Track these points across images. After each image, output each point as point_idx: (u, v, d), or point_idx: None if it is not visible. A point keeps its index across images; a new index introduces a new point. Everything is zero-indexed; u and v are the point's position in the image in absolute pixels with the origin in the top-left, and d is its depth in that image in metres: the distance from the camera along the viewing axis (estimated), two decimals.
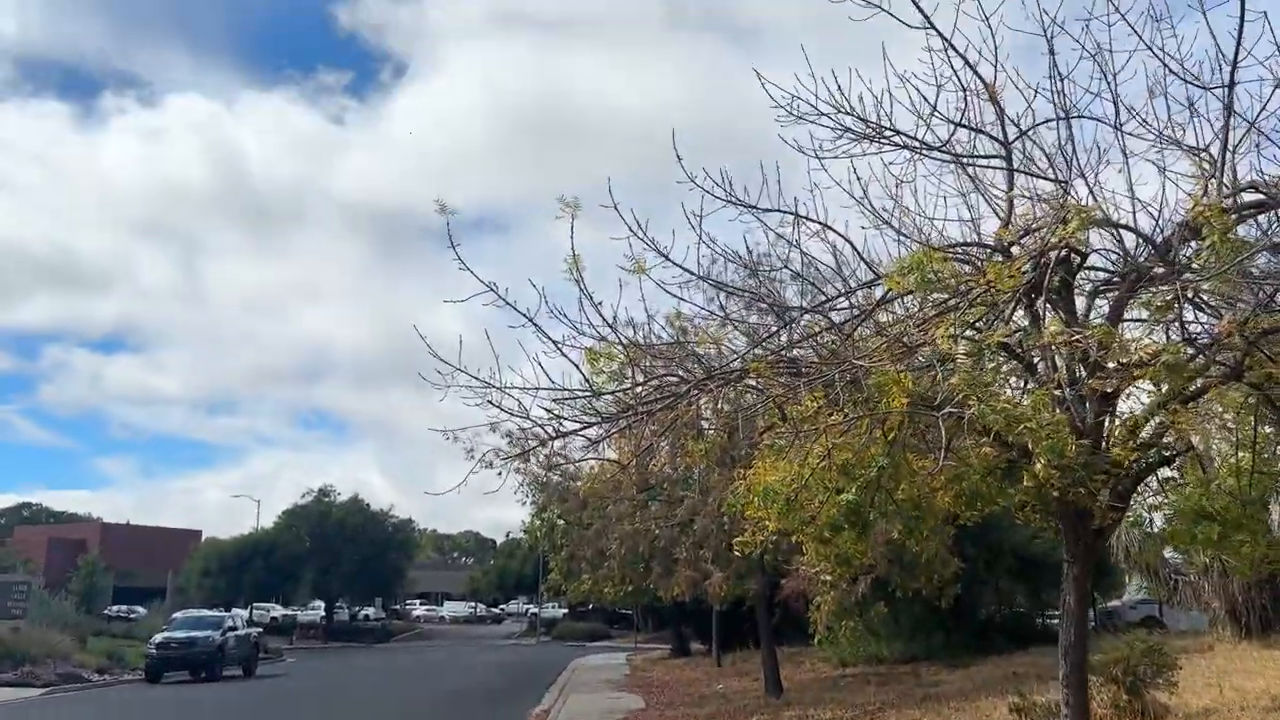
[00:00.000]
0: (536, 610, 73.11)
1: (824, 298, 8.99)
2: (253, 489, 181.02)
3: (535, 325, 7.95)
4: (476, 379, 8.40)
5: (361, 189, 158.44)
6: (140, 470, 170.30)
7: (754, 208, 8.54)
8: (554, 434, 9.01)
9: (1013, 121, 8.57)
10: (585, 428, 9.15)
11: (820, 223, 8.79)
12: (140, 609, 65.60)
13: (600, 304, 8.04)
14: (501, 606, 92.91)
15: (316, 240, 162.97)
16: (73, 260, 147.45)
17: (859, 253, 8.95)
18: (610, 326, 8.18)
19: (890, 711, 16.51)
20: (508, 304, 7.89)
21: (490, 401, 8.64)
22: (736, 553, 11.29)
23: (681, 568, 20.60)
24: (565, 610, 73.77)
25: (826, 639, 21.22)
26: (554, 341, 8.32)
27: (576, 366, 8.50)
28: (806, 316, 9.21)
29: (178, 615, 42.45)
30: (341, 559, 66.49)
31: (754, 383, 8.96)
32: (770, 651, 21.98)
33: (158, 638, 36.52)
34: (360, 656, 52.51)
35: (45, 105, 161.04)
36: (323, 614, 73.02)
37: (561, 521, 25.36)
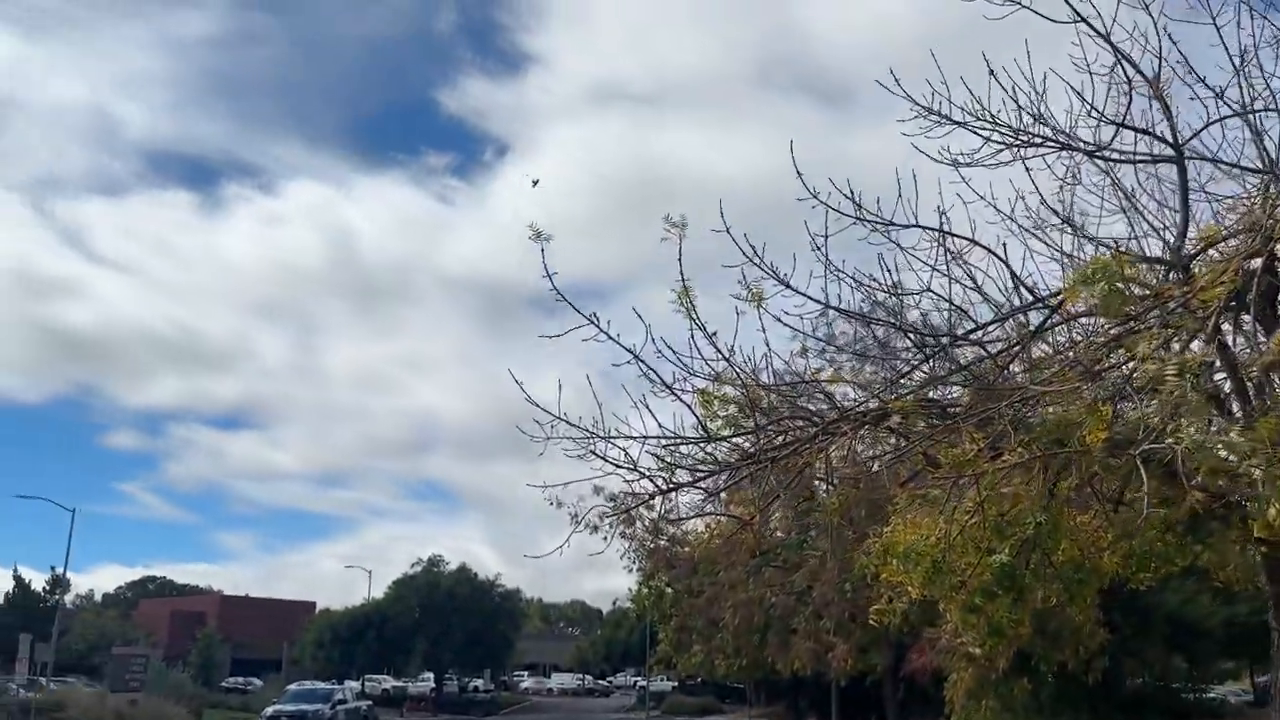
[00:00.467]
0: (645, 683, 71.05)
1: (973, 324, 7.75)
2: (365, 560, 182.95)
3: (640, 361, 6.93)
4: (577, 426, 7.39)
5: (465, 264, 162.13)
6: (259, 543, 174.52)
7: (888, 223, 7.41)
8: (665, 486, 7.88)
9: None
10: (702, 478, 8.04)
11: (967, 238, 7.60)
12: (256, 680, 66.01)
13: (715, 334, 6.97)
14: (609, 679, 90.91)
15: (423, 315, 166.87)
16: (196, 341, 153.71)
17: (1012, 272, 7.70)
18: (726, 360, 7.08)
19: None
20: (609, 337, 6.89)
21: (594, 452, 7.58)
22: (872, 622, 9.92)
23: (800, 639, 19.08)
24: (675, 683, 71.56)
25: (964, 718, 19.29)
26: (662, 382, 7.28)
27: (690, 408, 7.41)
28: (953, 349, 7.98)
29: (291, 688, 42.23)
30: (451, 629, 65.82)
31: (894, 425, 7.73)
32: None
33: (269, 711, 36.25)
34: None
35: (171, 195, 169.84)
36: (432, 686, 72.28)
37: (670, 590, 24.05)
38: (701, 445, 7.68)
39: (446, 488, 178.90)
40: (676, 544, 23.13)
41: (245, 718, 40.54)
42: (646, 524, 23.80)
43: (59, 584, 65.33)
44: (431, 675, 72.75)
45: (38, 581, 68.97)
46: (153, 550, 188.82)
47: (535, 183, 6.61)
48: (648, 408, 7.38)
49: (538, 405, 7.21)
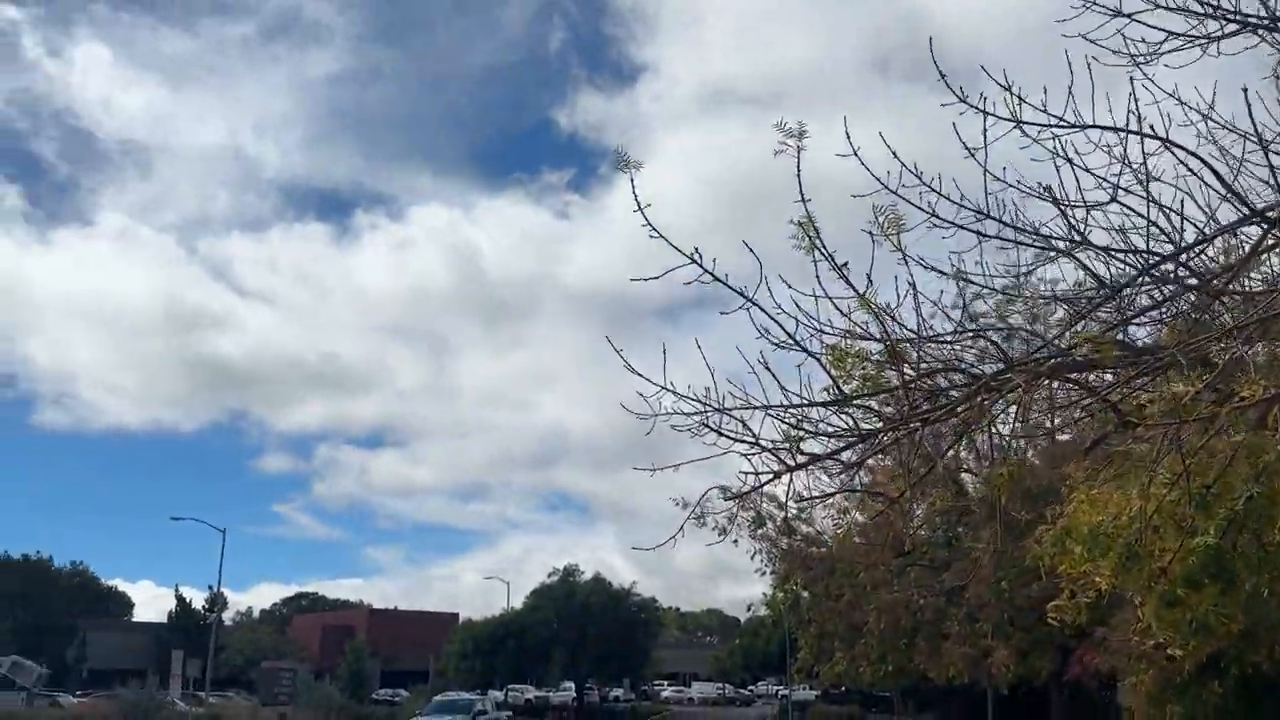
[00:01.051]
0: (788, 692, 68.94)
1: (1174, 246, 6.19)
2: (504, 572, 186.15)
3: (752, 303, 5.66)
4: (688, 398, 6.18)
5: (586, 277, 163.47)
6: (405, 557, 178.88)
7: (1061, 122, 5.91)
8: (792, 462, 6.57)
9: None
10: (837, 453, 6.71)
11: (1160, 138, 6.05)
12: (404, 692, 66.79)
13: (847, 265, 5.62)
14: (750, 688, 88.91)
15: (547, 329, 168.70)
16: (336, 365, 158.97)
17: (1218, 175, 6.11)
18: (862, 298, 5.73)
19: None
20: (714, 276, 5.65)
21: (707, 425, 6.34)
22: (1051, 620, 8.34)
23: (953, 644, 17.31)
24: (818, 693, 69.25)
25: None
26: (786, 334, 5.99)
27: (821, 364, 6.10)
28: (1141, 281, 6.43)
29: (436, 699, 42.24)
30: (587, 638, 65.39)
31: (1079, 377, 6.22)
32: None
33: None
34: None
35: (307, 227, 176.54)
36: (574, 695, 71.90)
37: (806, 593, 22.47)
38: (835, 410, 6.35)
39: (578, 499, 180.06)
40: (812, 544, 21.61)
41: None
42: (777, 523, 22.37)
43: (216, 602, 67.80)
44: (572, 685, 72.46)
45: (198, 601, 71.63)
46: (306, 568, 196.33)
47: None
48: (767, 368, 6.10)
49: (636, 372, 6.03)
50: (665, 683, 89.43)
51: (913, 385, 6.32)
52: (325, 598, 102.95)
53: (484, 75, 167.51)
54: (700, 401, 6.10)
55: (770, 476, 6.66)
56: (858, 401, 6.28)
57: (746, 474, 7.45)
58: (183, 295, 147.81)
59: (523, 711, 66.88)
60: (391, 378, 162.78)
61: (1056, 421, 7.12)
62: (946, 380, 6.33)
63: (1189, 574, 7.24)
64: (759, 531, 22.22)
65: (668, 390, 6.10)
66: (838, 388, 6.25)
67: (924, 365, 6.34)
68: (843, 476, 6.74)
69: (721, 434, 6.21)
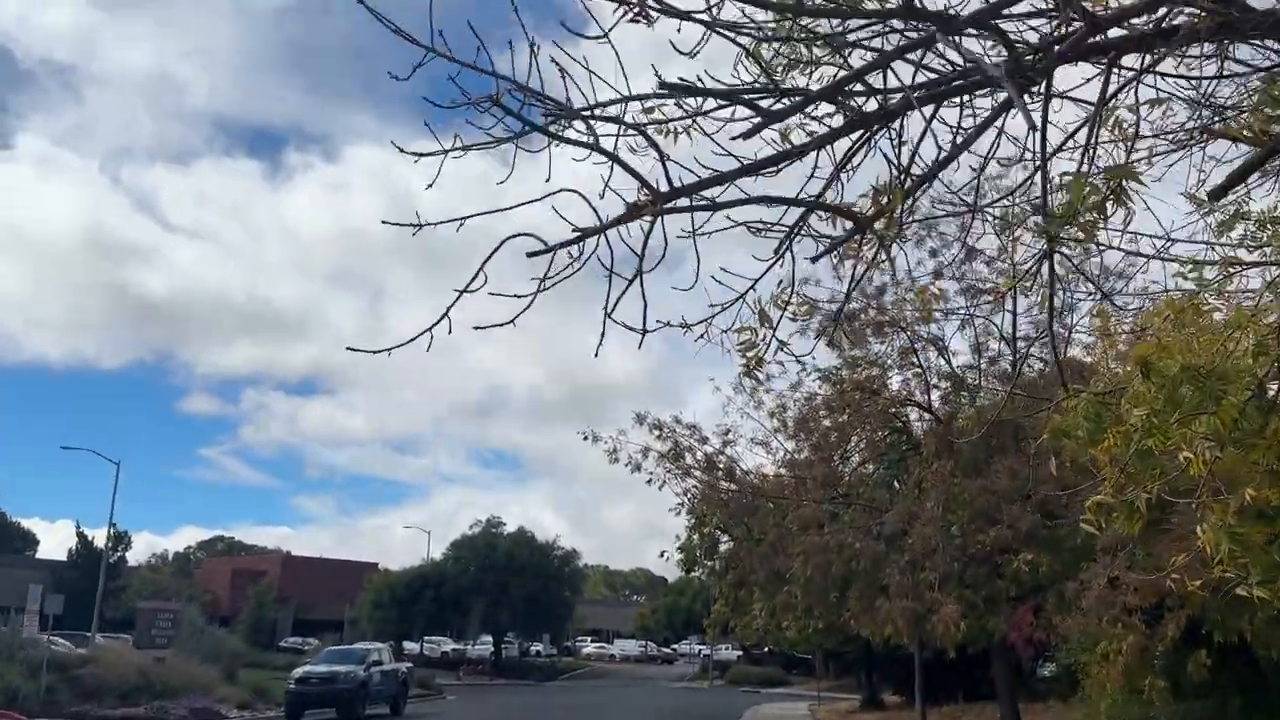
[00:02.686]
0: (709, 652, 66.52)
1: None
2: (437, 526, 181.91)
3: None
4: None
5: (529, 229, 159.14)
6: (336, 508, 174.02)
7: None
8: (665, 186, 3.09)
9: None
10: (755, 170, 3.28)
11: None
12: (313, 641, 63.16)
13: None
14: (674, 646, 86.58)
15: (488, 280, 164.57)
16: (268, 308, 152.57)
17: None
18: None
19: None
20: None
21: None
22: (1085, 525, 5.06)
23: (893, 597, 14.25)
24: (740, 652, 66.92)
25: (1115, 711, 14.12)
26: None
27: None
28: None
29: (328, 649, 38.74)
30: (509, 591, 62.30)
31: None
32: (1013, 711, 15.23)
33: (298, 672, 32.64)
34: (524, 695, 47.50)
35: (237, 163, 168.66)
36: (492, 649, 68.82)
37: (726, 538, 19.29)
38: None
39: (513, 454, 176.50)
40: (732, 479, 18.44)
41: (280, 676, 36.89)
42: (697, 457, 19.15)
43: (120, 541, 63.20)
44: (491, 638, 69.40)
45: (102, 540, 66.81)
46: (232, 514, 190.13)
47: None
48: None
49: None
50: (588, 639, 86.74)
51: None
52: (243, 543, 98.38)
53: (438, 17, 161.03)
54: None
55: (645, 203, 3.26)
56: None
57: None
58: (107, 226, 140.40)
59: (438, 664, 63.72)
60: (325, 323, 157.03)
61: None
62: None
63: None
64: (676, 467, 19.00)
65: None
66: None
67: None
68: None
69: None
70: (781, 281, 4.09)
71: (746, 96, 3.06)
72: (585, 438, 19.74)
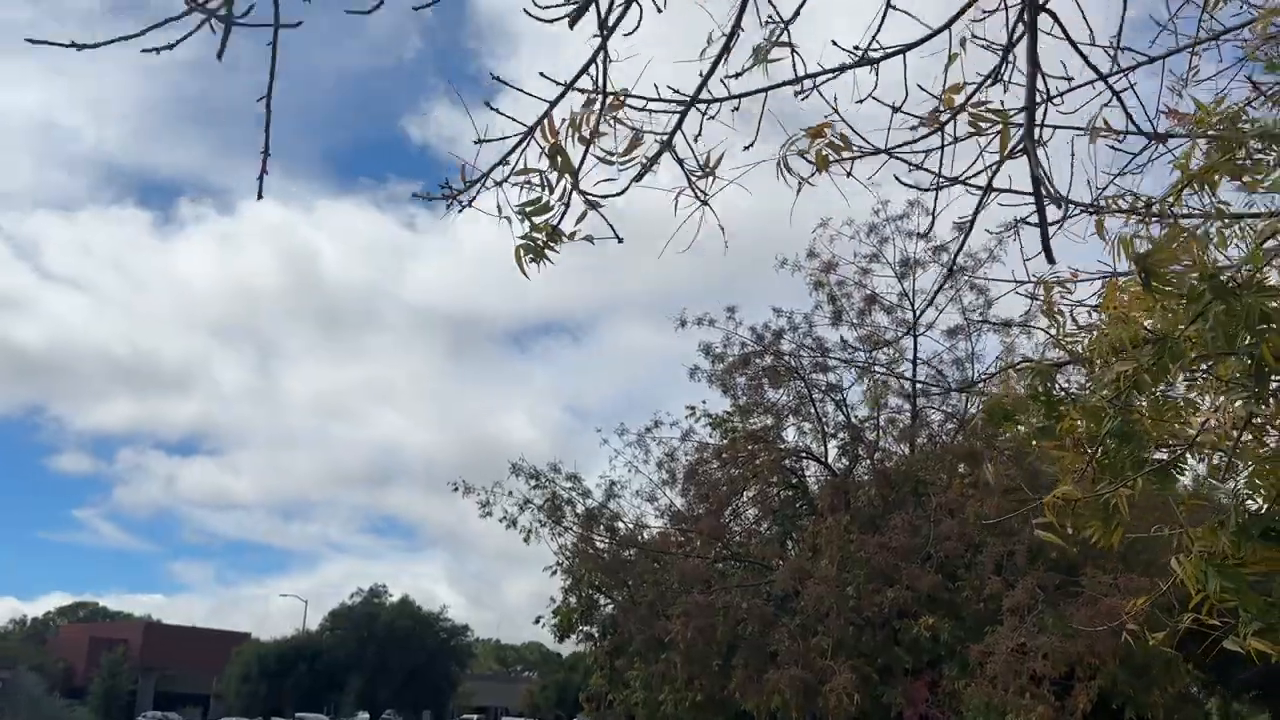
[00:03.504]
0: None
1: None
2: (322, 597, 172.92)
3: None
4: None
5: (432, 294, 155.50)
6: (216, 576, 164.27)
7: None
8: None
9: None
10: None
11: None
12: (175, 716, 58.14)
13: None
14: None
15: (387, 343, 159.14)
16: (150, 362, 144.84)
17: None
18: None
19: None
20: None
21: None
22: (1043, 535, 3.50)
23: (783, 666, 12.55)
24: None
25: None
26: None
27: None
28: None
29: None
30: (389, 665, 58.48)
31: None
32: None
33: None
34: None
35: (125, 212, 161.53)
36: None
37: (606, 600, 17.35)
38: None
39: (408, 523, 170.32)
40: (614, 535, 16.60)
41: None
42: (577, 510, 17.27)
43: None
44: (368, 714, 64.99)
45: None
46: (104, 579, 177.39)
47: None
48: None
49: None
50: (474, 716, 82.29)
51: None
52: (106, 610, 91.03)
53: (343, 77, 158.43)
54: None
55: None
56: None
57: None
58: None
59: None
60: (211, 380, 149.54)
61: None
62: None
63: None
64: (552, 520, 17.10)
65: None
66: None
67: None
68: None
69: None
70: (591, 97, 2.49)
71: None
72: (455, 489, 17.77)
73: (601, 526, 16.47)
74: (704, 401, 16.98)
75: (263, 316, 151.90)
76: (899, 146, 3.09)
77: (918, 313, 15.99)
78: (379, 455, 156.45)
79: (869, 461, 15.51)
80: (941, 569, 13.28)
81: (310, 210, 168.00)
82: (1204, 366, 2.96)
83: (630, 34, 2.44)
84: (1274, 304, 2.71)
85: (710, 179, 2.80)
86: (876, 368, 16.00)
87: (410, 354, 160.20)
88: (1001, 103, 2.91)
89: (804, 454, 16.66)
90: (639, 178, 2.58)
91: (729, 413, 16.65)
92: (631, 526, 16.54)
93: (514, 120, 2.66)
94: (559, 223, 2.60)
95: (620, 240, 2.93)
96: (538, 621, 18.75)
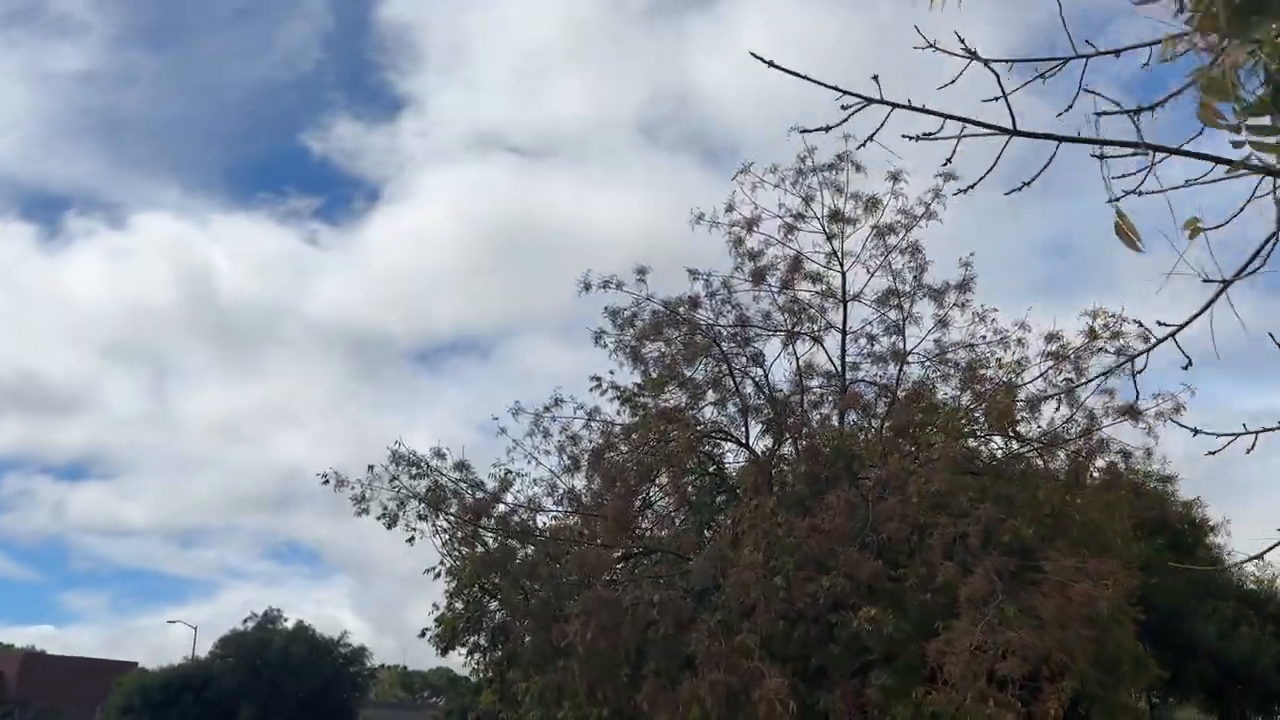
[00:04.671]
0: None
1: None
2: (219, 627, 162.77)
3: None
4: None
5: (335, 312, 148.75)
6: (109, 604, 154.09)
7: None
8: None
9: None
10: None
11: None
12: None
13: None
14: None
15: (289, 362, 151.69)
16: (35, 383, 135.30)
17: None
18: None
19: None
20: None
21: None
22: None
23: (702, 670, 10.24)
24: None
25: None
26: None
27: None
28: None
29: None
30: (282, 694, 54.21)
31: None
32: None
33: None
34: None
35: (9, 226, 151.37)
36: None
37: (497, 607, 14.70)
38: None
39: (312, 548, 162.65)
40: (507, 530, 14.00)
41: None
42: (465, 501, 14.69)
43: None
44: None
45: None
46: None
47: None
48: None
49: None
50: None
51: None
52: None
53: (244, 91, 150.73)
54: None
55: None
56: None
57: None
58: None
59: None
60: (102, 401, 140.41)
61: None
62: None
63: None
64: (434, 513, 14.52)
65: None
66: None
67: None
68: None
69: None
70: None
71: None
72: (325, 480, 15.08)
73: (491, 519, 13.93)
74: (611, 373, 14.73)
75: (156, 335, 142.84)
76: None
77: (845, 274, 14.07)
78: (281, 478, 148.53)
79: (794, 438, 13.40)
80: (883, 554, 11.19)
81: (206, 224, 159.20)
82: None
83: None
84: None
85: None
86: (802, 334, 14.00)
87: (314, 373, 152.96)
88: None
89: (723, 435, 14.48)
90: None
91: (639, 386, 14.40)
92: (524, 515, 14.03)
93: None
94: None
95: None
96: (423, 635, 16.05)
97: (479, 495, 14.80)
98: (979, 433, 13.50)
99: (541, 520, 14.19)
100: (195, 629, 74.08)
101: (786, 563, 11.03)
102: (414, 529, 14.82)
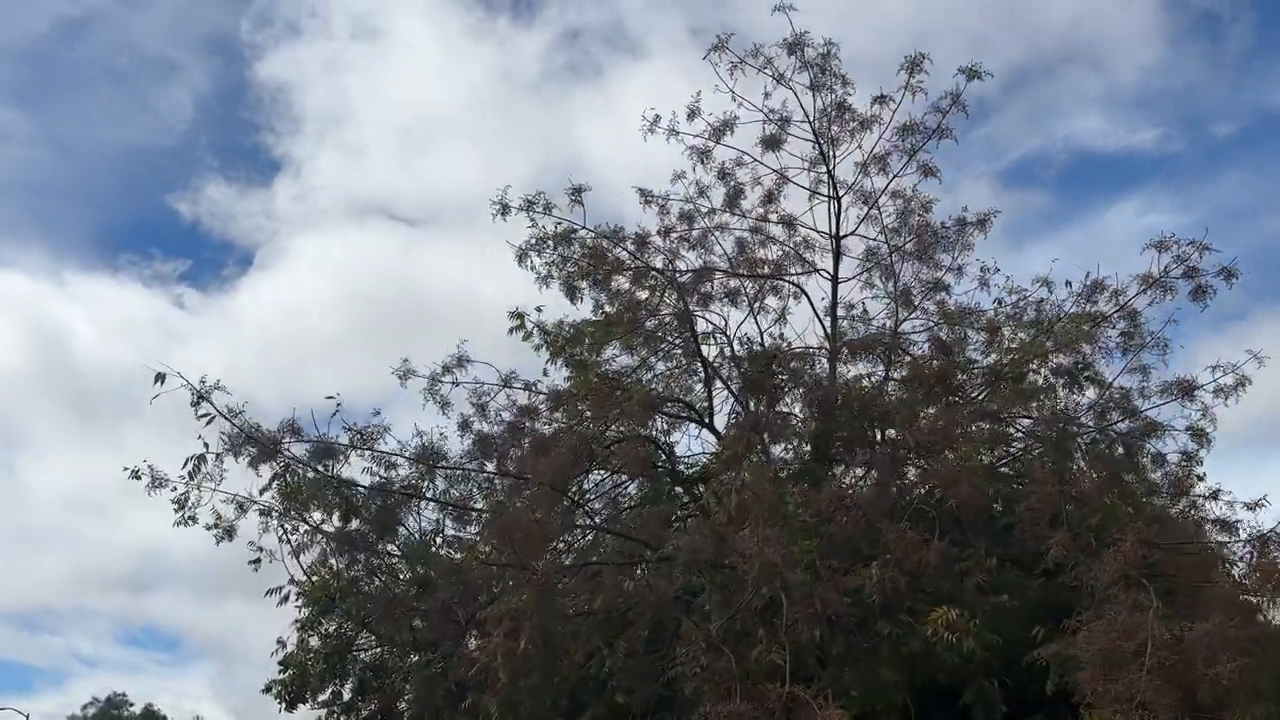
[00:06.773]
0: None
1: None
2: (59, 719, 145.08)
3: None
4: None
5: (200, 379, 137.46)
6: None
7: None
8: None
9: None
10: None
11: None
12: None
13: None
14: None
15: (150, 432, 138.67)
16: None
17: None
18: None
19: None
20: None
21: None
22: None
23: (698, 700, 6.09)
24: None
25: None
26: None
27: None
28: None
29: None
30: None
31: None
32: None
33: None
34: None
35: None
36: None
37: (367, 640, 10.04)
38: None
39: (173, 633, 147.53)
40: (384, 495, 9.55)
41: None
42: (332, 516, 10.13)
43: None
44: None
45: None
46: None
47: None
48: None
49: None
50: None
51: None
52: None
53: (116, 152, 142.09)
54: None
55: None
56: None
57: None
58: None
59: None
60: None
61: None
62: None
63: None
64: (289, 518, 9.98)
65: None
66: None
67: None
68: None
69: None
70: None
71: None
72: (135, 476, 10.33)
73: (343, 462, 9.34)
74: (539, 309, 10.69)
75: (2, 400, 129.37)
76: None
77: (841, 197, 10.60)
78: (139, 557, 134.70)
79: (794, 388, 9.55)
80: (947, 534, 7.35)
81: (62, 285, 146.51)
82: None
83: None
84: None
85: None
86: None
87: (177, 444, 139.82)
88: None
89: (683, 406, 10.54)
90: None
91: (575, 327, 10.42)
92: (411, 473, 9.51)
93: None
94: None
95: None
96: (268, 690, 11.17)
97: (353, 493, 10.24)
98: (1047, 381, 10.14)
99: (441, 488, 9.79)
100: (26, 716, 63.83)
101: (808, 548, 7.07)
102: (258, 549, 10.29)
